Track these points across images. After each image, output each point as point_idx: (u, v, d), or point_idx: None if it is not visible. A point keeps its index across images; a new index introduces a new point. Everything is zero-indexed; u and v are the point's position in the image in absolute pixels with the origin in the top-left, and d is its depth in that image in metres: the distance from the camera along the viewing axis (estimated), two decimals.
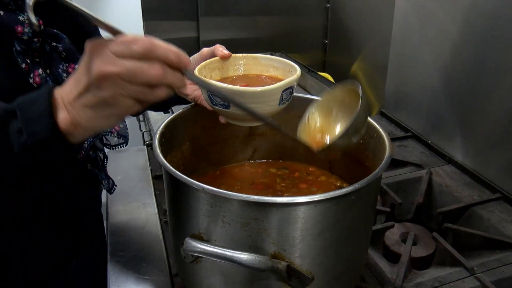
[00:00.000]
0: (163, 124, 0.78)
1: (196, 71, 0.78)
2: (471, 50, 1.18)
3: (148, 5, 1.95)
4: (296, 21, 2.17)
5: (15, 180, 0.64)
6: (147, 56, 0.52)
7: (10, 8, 0.72)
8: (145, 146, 1.32)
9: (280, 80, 0.82)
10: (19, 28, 0.74)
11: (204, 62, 0.82)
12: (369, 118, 0.85)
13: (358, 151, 0.88)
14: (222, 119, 0.83)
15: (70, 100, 0.56)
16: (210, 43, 2.07)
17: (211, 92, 0.73)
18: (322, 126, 0.81)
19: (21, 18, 0.74)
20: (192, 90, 0.88)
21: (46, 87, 0.58)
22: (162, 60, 0.53)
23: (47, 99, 0.56)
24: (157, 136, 0.74)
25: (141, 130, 1.69)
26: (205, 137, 0.89)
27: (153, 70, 0.52)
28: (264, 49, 2.09)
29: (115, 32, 0.55)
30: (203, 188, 0.60)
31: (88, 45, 0.54)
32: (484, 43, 1.13)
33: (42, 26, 0.78)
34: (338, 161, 0.94)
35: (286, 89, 0.74)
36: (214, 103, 0.74)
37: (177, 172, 0.63)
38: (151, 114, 1.59)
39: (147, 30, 1.99)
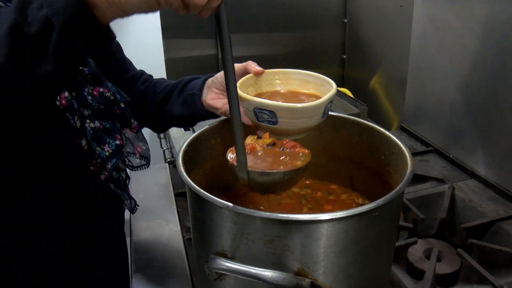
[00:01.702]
0: (186, 143, 0.79)
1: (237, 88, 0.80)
2: (490, 62, 1.17)
3: (167, 23, 1.98)
4: (314, 37, 2.18)
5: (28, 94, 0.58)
6: None
7: None
8: (167, 164, 1.34)
9: (313, 94, 0.85)
10: None
11: (241, 80, 0.84)
12: (389, 134, 0.85)
13: (380, 167, 0.88)
14: (260, 134, 0.84)
15: None
16: None
17: (259, 109, 0.76)
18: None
19: None
20: (222, 104, 0.90)
21: None
22: None
23: None
24: (181, 154, 0.75)
25: (162, 148, 1.71)
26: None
27: None
28: (282, 65, 2.09)
29: None
30: (228, 206, 0.61)
31: None
32: (502, 54, 1.13)
33: None
34: (360, 177, 0.94)
35: (328, 103, 0.78)
36: (261, 120, 0.77)
37: (202, 190, 0.64)
38: (172, 132, 1.61)
39: (167, 48, 2.02)
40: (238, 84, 0.82)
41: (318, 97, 0.83)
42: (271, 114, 0.75)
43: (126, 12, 0.56)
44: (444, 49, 1.35)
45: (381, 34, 1.92)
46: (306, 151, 0.79)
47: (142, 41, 2.16)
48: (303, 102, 0.80)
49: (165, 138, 1.74)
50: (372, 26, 1.99)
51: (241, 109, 0.85)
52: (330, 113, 0.93)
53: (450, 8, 1.30)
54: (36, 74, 0.54)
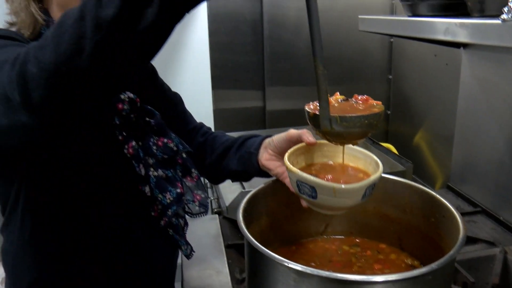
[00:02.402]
0: (245, 200, 0.84)
1: (286, 157, 0.82)
2: None
3: (217, 74, 2.07)
4: (359, 92, 2.19)
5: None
6: None
7: None
8: (217, 215, 1.38)
9: (361, 169, 0.86)
10: (120, 105, 0.85)
11: (292, 149, 0.87)
12: (440, 197, 0.87)
13: (430, 229, 0.90)
14: (304, 203, 0.86)
15: None
16: (275, 113, 2.16)
17: (301, 182, 0.77)
18: None
19: (122, 96, 0.85)
20: (275, 166, 0.93)
21: None
22: None
23: None
24: (241, 212, 0.80)
25: (208, 197, 1.74)
26: (281, 212, 0.94)
27: None
28: None
29: None
30: (288, 264, 0.65)
31: None
32: None
33: (139, 103, 0.89)
34: (409, 238, 0.96)
35: (369, 186, 0.77)
36: (302, 192, 0.78)
37: (263, 248, 0.68)
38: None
39: (215, 98, 2.10)
40: (288, 152, 0.85)
41: (366, 173, 0.85)
42: (311, 189, 0.76)
43: None
44: (492, 109, 1.37)
45: (426, 91, 1.94)
46: (379, 102, 0.80)
47: (192, 90, 2.25)
48: (351, 178, 0.81)
49: (211, 187, 1.78)
50: (416, 83, 2.02)
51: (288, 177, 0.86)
52: (382, 175, 0.96)
53: (498, 69, 1.32)
54: (141, 26, 0.57)
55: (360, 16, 1.29)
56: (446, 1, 1.07)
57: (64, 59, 0.57)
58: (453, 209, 0.82)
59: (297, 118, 2.22)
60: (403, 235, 0.97)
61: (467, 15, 1.05)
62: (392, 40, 2.16)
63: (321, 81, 0.70)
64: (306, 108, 0.78)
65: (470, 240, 1.23)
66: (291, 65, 2.10)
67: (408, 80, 2.10)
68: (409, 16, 1.13)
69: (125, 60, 0.60)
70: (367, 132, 0.77)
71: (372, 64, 2.20)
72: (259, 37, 2.07)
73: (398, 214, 0.96)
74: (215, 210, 1.50)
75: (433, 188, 1.82)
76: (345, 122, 0.73)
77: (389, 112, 2.25)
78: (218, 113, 2.12)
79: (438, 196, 0.87)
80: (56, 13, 0.91)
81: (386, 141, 2.17)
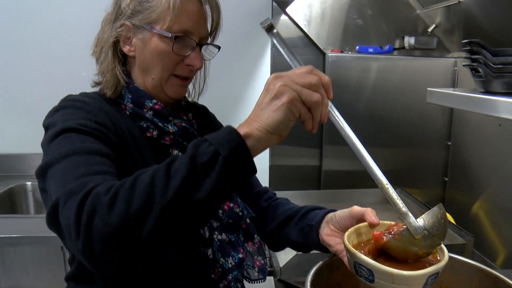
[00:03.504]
0: (313, 272, 0.84)
1: (345, 236, 0.81)
2: None
3: None
4: (416, 156, 2.18)
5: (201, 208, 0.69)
6: (312, 71, 0.72)
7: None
8: (271, 277, 1.36)
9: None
10: None
11: (353, 228, 0.86)
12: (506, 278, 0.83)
13: None
14: (361, 286, 0.82)
15: (248, 119, 0.71)
16: (331, 173, 2.12)
17: (359, 264, 0.76)
18: None
19: None
20: (335, 243, 0.93)
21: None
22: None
23: (228, 126, 0.71)
24: (309, 284, 0.79)
25: (267, 257, 1.72)
26: (344, 284, 0.92)
27: (314, 77, 0.71)
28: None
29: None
30: None
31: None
32: None
33: None
34: None
35: (432, 275, 0.75)
36: (359, 274, 0.77)
37: None
38: None
39: (273, 153, 2.12)
40: (349, 231, 0.84)
41: (433, 260, 0.81)
42: (369, 272, 0.74)
43: (273, 131, 0.69)
44: None
45: (487, 160, 1.88)
46: None
47: None
48: (413, 265, 0.78)
49: (264, 244, 1.77)
50: (477, 151, 1.96)
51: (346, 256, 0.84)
52: (450, 254, 0.93)
53: None
54: (199, 194, 0.66)
55: (429, 89, 1.29)
56: None
57: (132, 218, 0.65)
58: None
59: (352, 180, 2.22)
60: None
61: None
62: None
63: (393, 195, 0.76)
64: (385, 239, 0.79)
65: None
66: (350, 125, 2.09)
67: (468, 148, 2.05)
68: (482, 93, 1.13)
69: (183, 224, 0.69)
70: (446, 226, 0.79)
71: (431, 129, 2.17)
72: None
73: None
74: (269, 269, 1.48)
75: (493, 263, 1.74)
76: (431, 218, 0.75)
77: (446, 179, 2.19)
78: (273, 169, 2.14)
79: None
80: (137, 76, 0.97)
81: None
